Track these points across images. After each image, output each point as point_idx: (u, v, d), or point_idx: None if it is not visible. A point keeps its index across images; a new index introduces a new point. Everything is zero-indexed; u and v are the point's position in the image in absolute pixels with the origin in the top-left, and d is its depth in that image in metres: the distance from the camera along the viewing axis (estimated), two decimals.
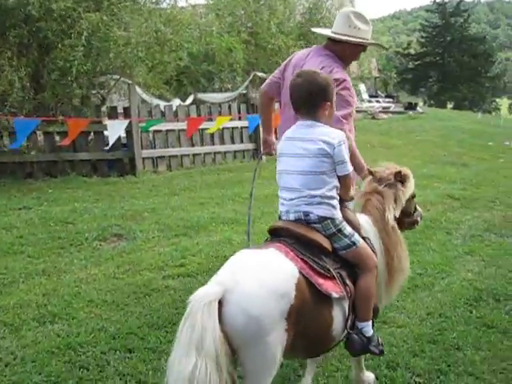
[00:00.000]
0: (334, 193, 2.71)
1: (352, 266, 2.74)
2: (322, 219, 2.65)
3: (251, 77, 13.02)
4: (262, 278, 2.28)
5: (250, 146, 11.79)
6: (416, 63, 55.87)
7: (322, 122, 2.73)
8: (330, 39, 3.77)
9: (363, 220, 3.00)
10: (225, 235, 6.11)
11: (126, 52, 9.55)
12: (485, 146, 16.30)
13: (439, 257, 5.51)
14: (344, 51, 3.73)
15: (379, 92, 37.05)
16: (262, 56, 13.86)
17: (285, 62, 4.02)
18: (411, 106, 26.95)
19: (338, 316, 2.59)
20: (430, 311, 4.24)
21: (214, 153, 11.33)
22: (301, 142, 2.70)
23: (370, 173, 3.23)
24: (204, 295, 2.15)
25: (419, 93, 57.10)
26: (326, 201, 2.66)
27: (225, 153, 11.50)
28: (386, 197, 3.12)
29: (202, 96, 13.08)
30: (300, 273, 2.40)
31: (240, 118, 11.30)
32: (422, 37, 58.16)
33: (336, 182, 2.72)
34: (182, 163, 10.84)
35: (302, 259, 2.48)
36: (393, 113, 24.74)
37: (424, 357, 3.56)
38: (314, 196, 2.64)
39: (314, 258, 2.54)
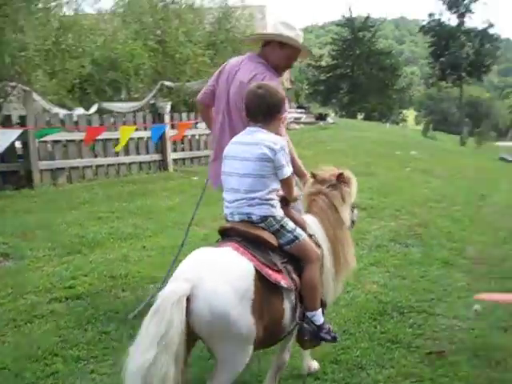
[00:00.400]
0: (273, 195, 2.90)
1: (297, 261, 2.92)
2: (264, 218, 2.85)
3: (158, 86, 12.65)
4: (225, 274, 2.46)
5: (156, 156, 11.42)
6: (327, 75, 57.15)
7: (272, 132, 2.96)
8: (264, 46, 3.87)
9: (310, 220, 3.22)
10: (122, 252, 5.75)
11: (21, 57, 8.97)
12: (392, 156, 16.64)
13: None
14: (278, 57, 3.84)
15: (292, 103, 37.46)
16: (169, 65, 13.51)
17: (218, 70, 4.05)
18: (322, 117, 27.31)
19: (287, 307, 2.77)
20: (334, 329, 4.07)
21: (118, 164, 10.86)
22: (246, 146, 2.90)
23: (313, 175, 3.45)
24: (173, 292, 2.29)
25: (331, 104, 58.40)
26: (265, 202, 2.85)
27: (129, 164, 11.06)
28: (333, 197, 3.37)
29: (107, 105, 12.55)
30: (255, 268, 2.58)
31: (146, 129, 10.88)
32: (333, 50, 59.63)
33: (276, 185, 2.92)
34: (84, 175, 10.32)
35: (253, 255, 2.65)
36: (304, 123, 24.95)
37: (326, 379, 3.38)
38: (254, 198, 2.83)
39: (262, 254, 2.71)
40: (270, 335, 2.70)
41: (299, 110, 30.18)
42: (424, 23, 58.66)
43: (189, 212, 7.54)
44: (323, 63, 59.06)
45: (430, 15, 56.52)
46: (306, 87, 47.97)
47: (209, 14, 15.74)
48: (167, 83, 12.71)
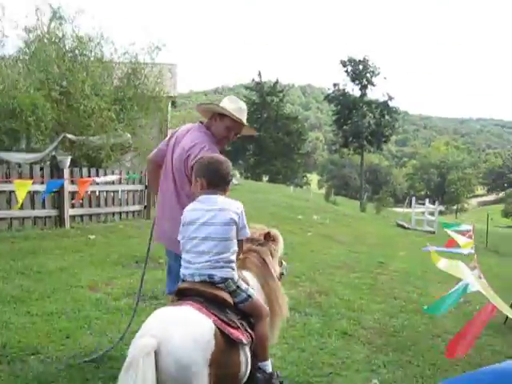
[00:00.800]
0: (234, 257, 3.21)
1: (248, 317, 3.23)
2: (225, 280, 3.13)
3: (60, 138, 12.17)
4: (187, 331, 2.63)
5: (53, 212, 10.80)
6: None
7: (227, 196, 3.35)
8: (209, 118, 4.16)
9: (245, 275, 3.53)
10: (2, 318, 5.23)
11: None
12: (295, 220, 16.85)
13: None
14: (217, 128, 4.10)
15: None
16: (73, 117, 13.07)
17: (171, 134, 4.34)
18: None
19: (243, 360, 3.01)
20: None
21: (11, 218, 10.17)
22: (209, 212, 3.18)
23: None
24: (143, 347, 2.46)
25: (237, 165, 59.05)
26: (228, 264, 3.14)
27: (23, 218, 10.39)
28: (262, 253, 3.86)
29: (3, 155, 11.91)
30: (215, 325, 2.79)
31: (43, 182, 10.33)
32: None
33: (235, 247, 3.22)
34: None
35: (212, 313, 2.86)
36: None
37: None
38: (219, 261, 3.10)
39: (220, 312, 2.95)
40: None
41: None
42: (329, 92, 61.14)
43: (81, 274, 7.17)
44: None
45: (335, 85, 59.15)
46: None
47: (118, 68, 15.52)
48: (69, 136, 12.26)
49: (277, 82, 61.78)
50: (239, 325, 3.03)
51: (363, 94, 58.68)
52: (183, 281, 3.20)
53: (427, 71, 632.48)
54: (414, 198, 26.77)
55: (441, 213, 26.79)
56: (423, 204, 26.45)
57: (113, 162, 13.67)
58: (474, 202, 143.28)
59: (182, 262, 3.22)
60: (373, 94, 59.76)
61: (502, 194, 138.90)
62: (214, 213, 3.16)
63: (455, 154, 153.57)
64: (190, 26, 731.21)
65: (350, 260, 10.53)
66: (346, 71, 58.71)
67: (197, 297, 2.99)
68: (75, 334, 4.91)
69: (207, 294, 3.01)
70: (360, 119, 56.37)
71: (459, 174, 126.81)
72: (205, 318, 2.78)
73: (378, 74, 58.58)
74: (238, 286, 3.18)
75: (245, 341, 2.98)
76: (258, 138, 56.72)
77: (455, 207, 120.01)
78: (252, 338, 3.13)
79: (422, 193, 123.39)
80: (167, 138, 4.35)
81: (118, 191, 11.97)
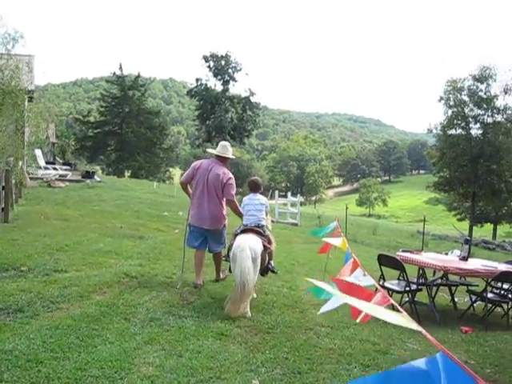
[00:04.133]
0: (264, 218, 7.76)
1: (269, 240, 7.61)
2: (262, 226, 7.55)
3: None
4: (255, 241, 7.01)
5: None
6: (96, 131, 56.16)
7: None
8: (216, 156, 8.04)
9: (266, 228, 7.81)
10: None
11: None
12: (161, 217, 16.56)
13: (117, 350, 4.88)
14: (225, 162, 8.07)
15: (57, 159, 35.87)
16: None
17: (195, 166, 8.00)
18: (89, 175, 26.39)
19: (265, 257, 7.34)
20: None
21: None
22: (256, 200, 7.84)
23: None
24: (243, 244, 6.80)
25: (98, 161, 57.29)
26: (262, 221, 7.63)
27: None
28: (269, 225, 8.24)
29: None
30: (261, 240, 7.18)
31: None
32: (102, 106, 58.95)
33: (265, 214, 7.82)
34: None
35: (259, 237, 7.23)
36: (70, 181, 23.83)
37: None
38: (260, 219, 7.61)
39: (261, 237, 7.27)
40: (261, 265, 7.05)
41: (65, 167, 28.91)
42: (191, 87, 60.98)
43: None
44: (91, 119, 58.02)
45: (197, 80, 59.09)
46: (73, 143, 46.33)
47: None
48: None
49: (138, 76, 60.48)
50: (267, 243, 7.35)
51: (225, 90, 59.19)
52: (245, 226, 7.50)
53: (285, 66, 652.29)
54: (276, 192, 27.37)
55: (301, 204, 27.65)
56: (285, 196, 27.13)
57: None
58: (330, 192, 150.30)
59: (244, 219, 7.65)
60: (235, 89, 60.52)
61: (356, 185, 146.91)
62: (257, 200, 7.84)
63: (313, 147, 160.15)
64: (47, 13, 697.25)
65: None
66: (209, 66, 58.88)
67: (252, 231, 7.31)
68: None
69: (256, 230, 7.37)
70: (223, 114, 56.82)
71: (317, 166, 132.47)
72: (258, 238, 7.14)
73: (240, 69, 59.37)
74: (264, 230, 7.54)
75: (272, 248, 7.64)
76: (120, 133, 55.42)
77: (314, 198, 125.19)
78: (267, 249, 7.39)
79: (283, 185, 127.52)
80: (194, 169, 7.94)
81: None
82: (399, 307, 2.96)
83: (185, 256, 8.31)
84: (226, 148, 8.00)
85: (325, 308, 3.63)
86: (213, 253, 8.15)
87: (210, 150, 8.71)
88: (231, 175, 7.82)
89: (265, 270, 7.53)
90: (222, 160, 7.95)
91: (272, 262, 7.69)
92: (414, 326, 2.68)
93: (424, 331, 2.57)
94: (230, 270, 7.45)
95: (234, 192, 7.81)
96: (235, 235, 7.39)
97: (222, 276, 8.32)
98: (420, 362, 2.31)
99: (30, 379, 4.15)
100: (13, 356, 4.54)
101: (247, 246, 6.67)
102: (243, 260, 6.54)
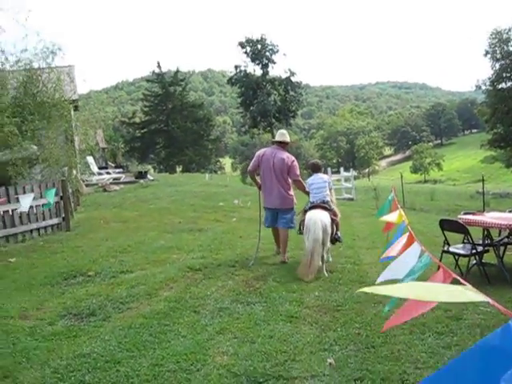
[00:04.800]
0: (328, 194, 8.60)
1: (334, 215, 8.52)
2: (327, 202, 8.42)
3: None
4: (324, 215, 7.99)
5: None
6: (143, 131, 57.01)
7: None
8: (276, 142, 8.95)
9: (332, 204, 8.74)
10: None
11: None
12: (217, 207, 16.66)
13: (190, 343, 4.97)
14: (285, 147, 8.95)
15: (109, 163, 36.56)
16: None
17: (260, 155, 8.86)
18: (142, 175, 26.79)
19: (334, 227, 8.38)
20: None
21: None
22: (319, 179, 8.68)
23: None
24: (315, 218, 7.81)
25: (149, 160, 58.12)
26: (328, 196, 8.51)
27: None
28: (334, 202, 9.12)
29: None
30: (329, 214, 8.12)
31: None
32: (146, 106, 59.78)
33: (328, 191, 8.65)
34: None
35: (327, 211, 8.19)
36: (124, 183, 24.30)
37: None
38: (325, 195, 8.47)
39: (327, 211, 8.20)
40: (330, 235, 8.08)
41: (117, 170, 29.46)
42: (231, 74, 60.92)
43: (8, 303, 6.67)
44: (137, 120, 58.86)
45: (236, 67, 58.92)
46: (122, 146, 47.13)
47: (12, 78, 14.70)
48: None
49: (178, 71, 60.90)
50: (333, 216, 8.33)
51: (265, 73, 58.80)
52: (312, 203, 8.42)
53: (322, 41, 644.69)
54: (329, 169, 27.12)
55: (354, 178, 27.35)
56: (338, 172, 26.86)
57: (22, 178, 13.00)
58: (383, 163, 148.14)
59: (311, 197, 8.54)
60: (274, 71, 60.06)
61: (408, 152, 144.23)
62: (320, 179, 8.66)
63: (360, 119, 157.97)
64: (82, 22, 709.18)
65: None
66: (246, 52, 58.56)
67: (319, 207, 8.18)
68: (14, 371, 4.55)
69: (323, 206, 8.24)
70: (265, 98, 56.54)
71: (366, 138, 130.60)
72: (326, 212, 8.10)
73: (277, 51, 58.79)
74: (330, 204, 8.40)
75: (338, 219, 8.64)
76: (167, 130, 56.05)
77: (367, 170, 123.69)
78: (335, 221, 8.36)
79: (334, 161, 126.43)
80: (259, 158, 8.81)
81: (32, 206, 11.29)
82: (463, 281, 2.85)
83: (260, 237, 9.18)
84: (284, 135, 8.97)
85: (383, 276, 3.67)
86: (281, 229, 8.81)
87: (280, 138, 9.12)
88: (294, 158, 8.82)
89: (333, 239, 8.44)
90: (283, 146, 8.87)
91: (339, 233, 8.65)
92: (480, 297, 2.57)
93: (491, 301, 2.46)
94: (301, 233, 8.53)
95: (298, 172, 8.78)
96: (305, 211, 8.41)
97: (285, 259, 8.64)
98: (493, 339, 2.11)
99: (110, 379, 4.26)
100: (91, 358, 4.67)
101: (318, 219, 7.73)
102: (316, 230, 7.59)
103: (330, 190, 8.75)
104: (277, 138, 8.96)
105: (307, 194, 8.73)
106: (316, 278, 7.45)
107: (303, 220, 8.25)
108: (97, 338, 5.18)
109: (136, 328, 5.39)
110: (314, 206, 8.28)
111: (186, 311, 5.97)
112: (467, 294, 2.67)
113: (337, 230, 8.54)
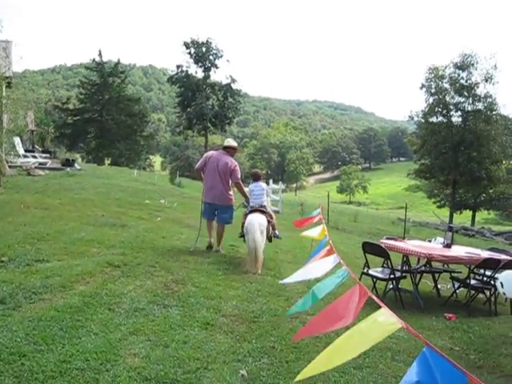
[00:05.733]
0: (266, 200, 9.91)
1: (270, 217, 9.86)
2: (265, 206, 9.74)
3: None
4: (262, 218, 9.27)
5: None
6: (75, 118, 55.58)
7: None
8: (224, 147, 10.16)
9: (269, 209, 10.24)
10: None
11: None
12: (143, 205, 16.43)
13: (102, 342, 4.80)
14: (230, 153, 10.11)
15: (36, 146, 35.39)
16: None
17: (207, 156, 10.13)
18: (69, 163, 26.08)
19: (269, 228, 9.70)
20: None
21: None
22: (259, 187, 9.92)
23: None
24: (254, 221, 9.01)
25: (78, 148, 56.74)
26: (265, 202, 9.80)
27: None
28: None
29: None
30: (266, 217, 9.42)
31: None
32: (81, 93, 58.33)
33: (266, 197, 10.00)
34: None
35: (264, 215, 9.45)
36: (50, 169, 23.56)
37: None
38: (263, 201, 9.76)
39: (265, 214, 9.50)
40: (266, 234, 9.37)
41: (44, 155, 28.55)
42: (172, 73, 60.42)
43: None
44: (71, 106, 57.34)
45: (178, 67, 58.53)
46: (52, 130, 45.74)
47: None
48: None
49: (118, 63, 59.86)
50: (270, 218, 9.59)
51: (207, 76, 58.73)
52: (252, 207, 9.64)
53: (266, 53, 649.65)
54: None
55: (282, 191, 27.68)
56: (267, 184, 27.06)
57: None
58: (311, 179, 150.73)
59: (251, 202, 9.78)
60: (216, 76, 60.11)
61: (336, 172, 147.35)
62: (260, 187, 9.88)
63: (294, 134, 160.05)
64: None
65: (202, 245, 10.41)
66: (189, 53, 58.33)
67: (258, 211, 9.43)
68: None
69: (261, 210, 9.51)
70: (204, 101, 56.44)
71: (298, 153, 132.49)
72: (263, 216, 9.35)
73: (221, 56, 58.92)
74: (266, 208, 9.72)
75: (273, 221, 9.92)
76: (100, 120, 54.87)
77: (295, 185, 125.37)
78: (271, 222, 9.67)
79: (264, 172, 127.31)
80: (205, 159, 10.06)
81: None
82: (378, 301, 2.90)
83: (201, 227, 10.34)
84: (230, 142, 10.33)
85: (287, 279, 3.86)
86: (220, 223, 10.26)
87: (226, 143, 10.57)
88: (236, 163, 10.11)
89: (270, 238, 9.93)
90: (229, 151, 10.14)
91: (276, 231, 10.22)
92: (395, 320, 2.64)
93: (406, 325, 2.52)
94: (243, 240, 9.76)
95: (239, 176, 10.04)
96: (245, 215, 9.73)
97: (220, 249, 10.19)
98: (412, 373, 2.25)
99: (13, 373, 4.06)
100: None
101: (256, 222, 9.02)
102: (255, 232, 8.86)
103: (267, 196, 10.17)
104: (225, 144, 10.26)
105: (244, 195, 10.19)
106: (235, 287, 7.44)
107: (243, 222, 9.54)
108: (3, 327, 4.93)
109: (47, 321, 5.18)
110: (253, 210, 9.56)
111: (101, 308, 5.78)
112: (382, 317, 2.72)
113: (273, 229, 10.04)
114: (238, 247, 10.76)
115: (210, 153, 10.34)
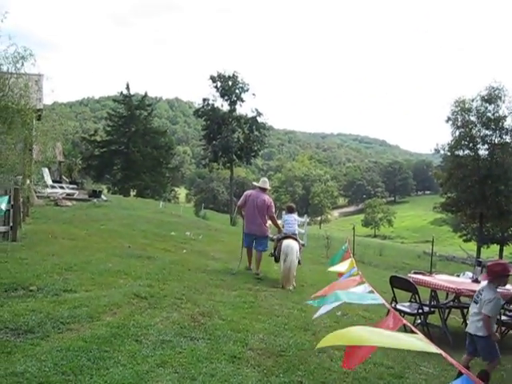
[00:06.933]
0: (297, 230, 12.10)
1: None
2: (296, 234, 11.75)
3: None
4: (295, 244, 11.05)
5: None
6: (102, 150, 56.38)
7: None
8: (260, 188, 11.85)
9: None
10: None
11: None
12: (168, 237, 16.50)
13: (130, 373, 4.79)
14: (265, 191, 11.87)
15: (64, 177, 35.92)
16: None
17: (247, 195, 11.85)
18: (96, 194, 26.40)
19: (300, 250, 11.76)
20: None
21: None
22: (292, 217, 11.88)
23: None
24: (292, 245, 10.90)
25: (105, 180, 57.38)
26: (296, 231, 11.88)
27: None
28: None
29: None
30: (298, 243, 11.39)
31: None
32: (109, 125, 59.28)
33: (297, 227, 12.35)
34: None
35: (297, 242, 11.33)
36: (77, 200, 23.87)
37: None
38: (295, 230, 11.77)
39: (297, 241, 11.36)
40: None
41: (72, 186, 28.94)
42: (198, 107, 61.04)
43: None
44: (98, 138, 58.25)
45: (204, 100, 59.08)
46: (80, 162, 46.43)
47: None
48: None
49: (145, 96, 60.93)
50: (301, 245, 11.78)
51: (232, 110, 59.09)
52: (285, 234, 11.42)
53: (291, 86, 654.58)
54: (283, 212, 27.22)
55: (307, 224, 27.56)
56: None
57: None
58: (336, 213, 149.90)
59: (284, 230, 11.65)
60: (242, 109, 60.38)
61: (361, 205, 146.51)
62: (293, 218, 11.85)
63: (318, 167, 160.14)
64: (56, 32, 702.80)
65: (227, 277, 10.41)
66: (216, 86, 58.88)
67: (291, 238, 11.20)
68: None
69: (293, 237, 11.32)
70: (229, 134, 56.71)
71: (322, 186, 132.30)
72: (295, 241, 11.17)
73: (247, 90, 59.36)
74: (297, 236, 11.68)
75: (303, 246, 12.79)
76: (126, 152, 55.55)
77: (319, 218, 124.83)
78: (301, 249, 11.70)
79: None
80: (245, 197, 11.74)
81: None
82: (414, 328, 2.87)
83: (242, 253, 12.04)
84: (266, 183, 12.06)
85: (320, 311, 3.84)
86: (258, 251, 11.77)
87: (254, 183, 12.74)
88: (271, 200, 11.92)
89: (299, 261, 11.28)
90: (264, 190, 11.85)
91: (299, 256, 11.43)
92: (432, 348, 2.59)
93: (444, 353, 2.48)
94: (274, 259, 11.81)
95: (273, 210, 11.80)
96: (278, 240, 11.52)
97: (259, 272, 11.61)
98: None
99: None
100: (24, 378, 4.47)
101: (293, 246, 10.87)
102: (292, 253, 10.70)
103: (298, 226, 12.36)
104: (261, 185, 11.96)
105: (277, 226, 11.94)
106: (261, 321, 7.39)
107: (277, 246, 11.37)
108: (32, 356, 4.96)
109: (75, 351, 5.20)
110: (286, 237, 11.27)
111: (128, 339, 5.79)
112: (420, 342, 2.68)
113: (301, 251, 11.87)
114: (264, 280, 10.74)
115: (250, 192, 12.04)
